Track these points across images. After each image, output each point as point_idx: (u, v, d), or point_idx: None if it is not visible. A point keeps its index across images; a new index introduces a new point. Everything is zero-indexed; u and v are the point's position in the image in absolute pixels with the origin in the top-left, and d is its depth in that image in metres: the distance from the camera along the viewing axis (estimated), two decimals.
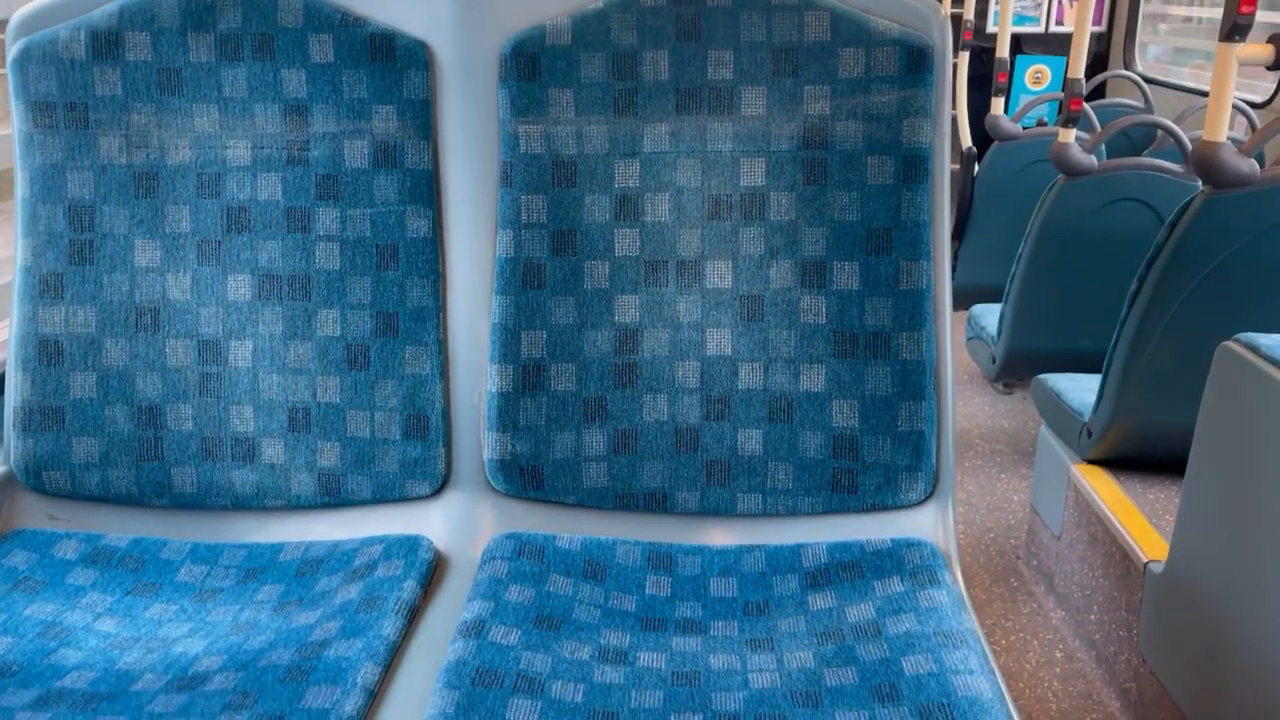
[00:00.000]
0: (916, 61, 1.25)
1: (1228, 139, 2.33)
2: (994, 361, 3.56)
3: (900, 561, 1.25)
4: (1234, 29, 2.17)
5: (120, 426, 1.35)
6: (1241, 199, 2.26)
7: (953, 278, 4.44)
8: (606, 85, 1.29)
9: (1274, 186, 2.26)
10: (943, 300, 1.31)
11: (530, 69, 1.28)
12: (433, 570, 1.30)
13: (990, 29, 5.50)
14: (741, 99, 1.28)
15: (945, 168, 1.30)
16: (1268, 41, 2.20)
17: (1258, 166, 2.27)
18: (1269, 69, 2.33)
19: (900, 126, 1.26)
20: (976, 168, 4.12)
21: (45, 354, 1.33)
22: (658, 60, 1.28)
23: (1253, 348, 1.84)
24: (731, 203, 1.30)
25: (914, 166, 1.26)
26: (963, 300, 4.21)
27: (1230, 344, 1.91)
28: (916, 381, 1.29)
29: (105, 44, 1.30)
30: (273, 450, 1.36)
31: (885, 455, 1.30)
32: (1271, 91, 4.14)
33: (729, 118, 1.29)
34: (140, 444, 1.36)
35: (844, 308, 1.29)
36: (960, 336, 4.15)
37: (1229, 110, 2.25)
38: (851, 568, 1.26)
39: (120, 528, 1.38)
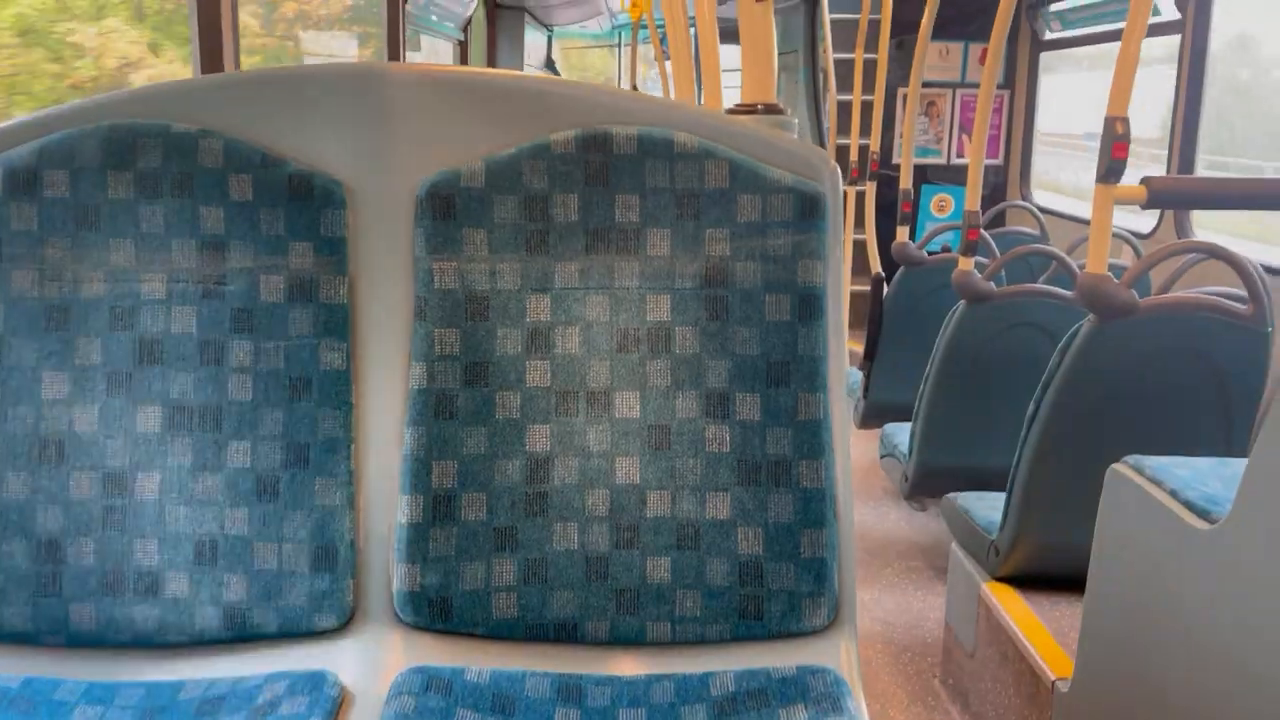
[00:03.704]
0: (809, 208, 1.33)
1: (1116, 266, 2.49)
2: (906, 479, 3.65)
3: (805, 689, 1.27)
4: (1109, 171, 2.34)
5: (16, 562, 1.32)
6: (1125, 327, 2.40)
7: (865, 396, 4.56)
8: (519, 225, 1.34)
9: (1153, 316, 2.41)
10: (840, 430, 1.36)
11: (445, 209, 1.33)
12: (339, 707, 1.28)
13: (897, 159, 5.80)
14: (647, 240, 1.35)
15: (840, 305, 1.37)
16: (1140, 183, 2.37)
17: (1137, 297, 2.42)
18: (1143, 208, 2.51)
19: (795, 267, 1.33)
20: (885, 290, 4.28)
21: None
22: (568, 203, 1.34)
23: (1140, 470, 1.94)
24: (639, 336, 1.35)
25: (809, 305, 1.34)
26: (876, 418, 4.32)
27: (1119, 466, 2.00)
28: (817, 509, 1.33)
29: (23, 181, 1.32)
30: (177, 584, 1.34)
31: (789, 582, 1.33)
32: (1155, 223, 4.43)
33: (635, 257, 1.35)
34: (38, 580, 1.32)
35: (746, 437, 1.34)
36: (875, 453, 4.24)
37: (1108, 245, 2.40)
38: (758, 696, 1.27)
39: (12, 667, 1.33)
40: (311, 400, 1.34)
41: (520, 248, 1.34)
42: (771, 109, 1.67)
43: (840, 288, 1.37)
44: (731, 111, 1.75)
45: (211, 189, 1.33)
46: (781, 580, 1.33)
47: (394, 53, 4.79)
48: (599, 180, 1.34)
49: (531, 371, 1.35)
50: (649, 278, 1.35)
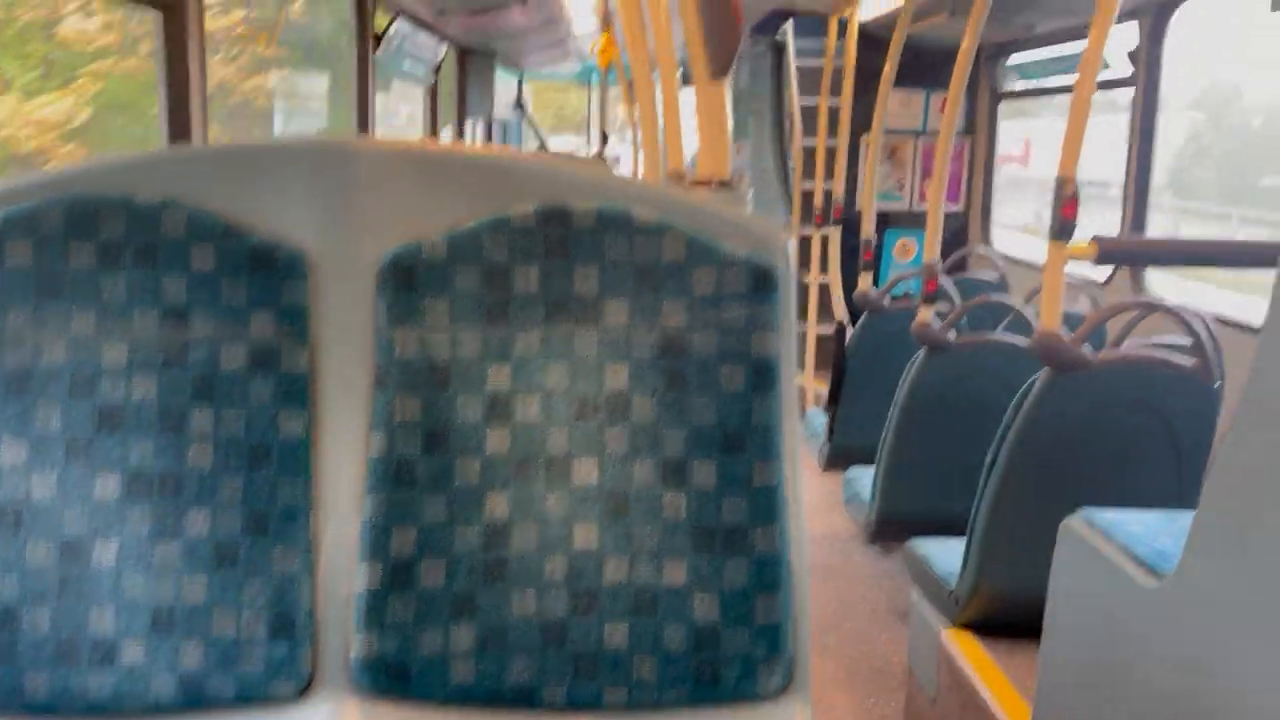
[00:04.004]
0: (763, 281, 1.37)
1: (1073, 315, 2.54)
2: (869, 524, 3.68)
3: None
4: (1061, 230, 2.41)
5: None
6: (1078, 381, 2.46)
7: (830, 441, 4.60)
8: (480, 296, 1.37)
9: (1105, 370, 2.47)
10: (795, 496, 1.39)
11: (407, 280, 1.36)
12: None
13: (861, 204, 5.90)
14: (606, 310, 1.38)
15: (793, 375, 1.41)
16: (1091, 241, 2.44)
17: (1090, 351, 2.48)
18: (1094, 265, 2.58)
19: (750, 339, 1.37)
20: (849, 335, 4.34)
21: None
22: (528, 274, 1.37)
23: (1092, 524, 1.98)
24: (597, 404, 1.38)
25: (763, 375, 1.37)
26: (840, 462, 4.37)
27: (1072, 520, 2.05)
28: (772, 575, 1.36)
29: None
30: (133, 652, 1.34)
31: (745, 647, 1.35)
32: (1111, 270, 4.53)
33: (594, 327, 1.38)
34: None
35: (703, 504, 1.36)
36: (839, 496, 4.28)
37: (1061, 302, 2.47)
38: None
39: None
40: (271, 468, 1.35)
41: (481, 317, 1.37)
42: (725, 185, 1.72)
43: (793, 358, 1.41)
44: (689, 186, 1.79)
45: (174, 259, 1.35)
46: (737, 645, 1.35)
47: (363, 121, 4.81)
48: (558, 253, 1.37)
49: (491, 439, 1.37)
50: (607, 347, 1.38)
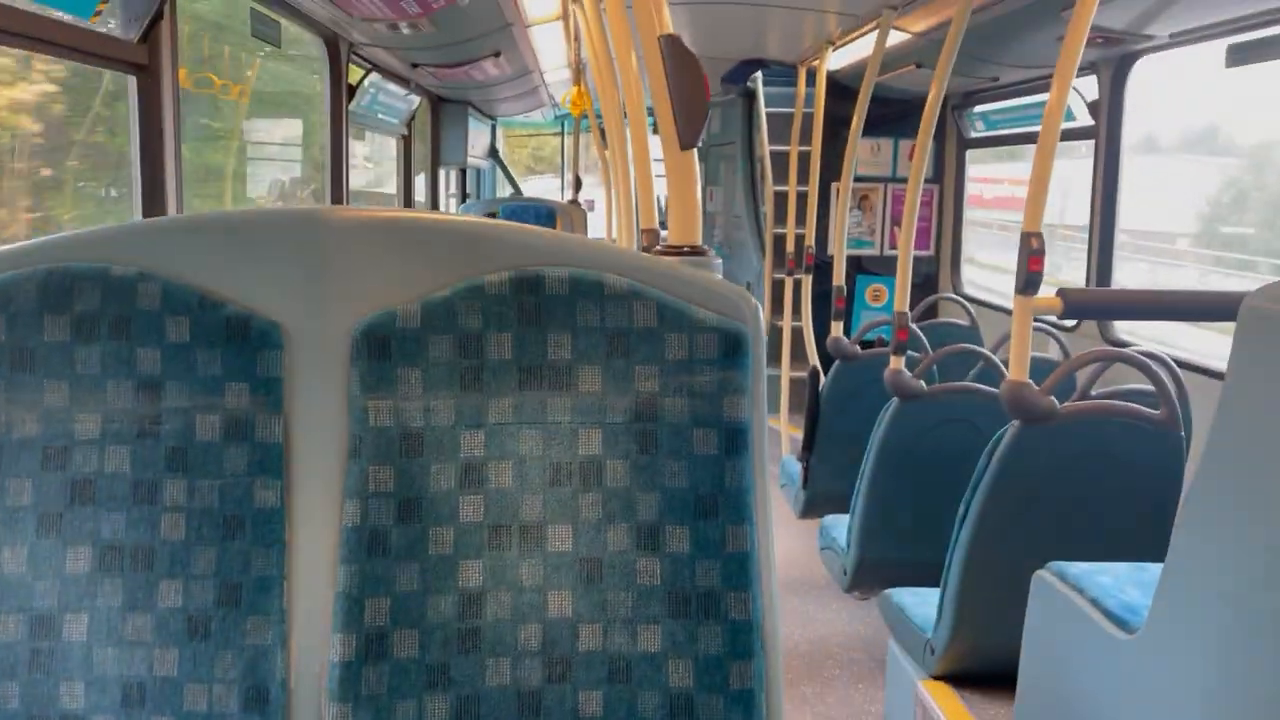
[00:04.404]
0: (733, 346, 1.39)
1: (1043, 360, 2.58)
2: (845, 572, 3.69)
3: None
4: (1027, 284, 2.45)
5: None
6: (1046, 432, 2.50)
7: (805, 488, 4.61)
8: (454, 364, 1.38)
9: (1072, 421, 2.51)
10: (767, 560, 1.40)
11: (381, 349, 1.37)
12: None
13: (833, 249, 5.97)
14: (579, 376, 1.39)
15: (765, 438, 1.42)
16: (1056, 294, 2.49)
17: (1057, 403, 2.52)
18: (1059, 319, 2.62)
19: (721, 403, 1.38)
20: (822, 382, 4.38)
21: None
22: (501, 341, 1.38)
23: (1063, 577, 2.00)
24: (571, 470, 1.39)
25: (734, 438, 1.38)
26: (815, 509, 4.38)
27: (1043, 573, 2.07)
28: (745, 641, 1.36)
29: None
30: None
31: (719, 714, 1.35)
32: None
33: (567, 393, 1.39)
34: None
35: (677, 569, 1.37)
36: (815, 544, 4.29)
37: (1029, 354, 2.51)
38: None
39: None
40: (245, 539, 1.34)
41: (455, 385, 1.38)
42: (697, 250, 1.74)
43: (764, 421, 1.42)
44: (660, 253, 1.82)
45: (149, 331, 1.35)
46: (711, 713, 1.35)
47: (337, 193, 4.83)
48: (532, 320, 1.39)
49: (465, 506, 1.37)
50: (581, 413, 1.39)
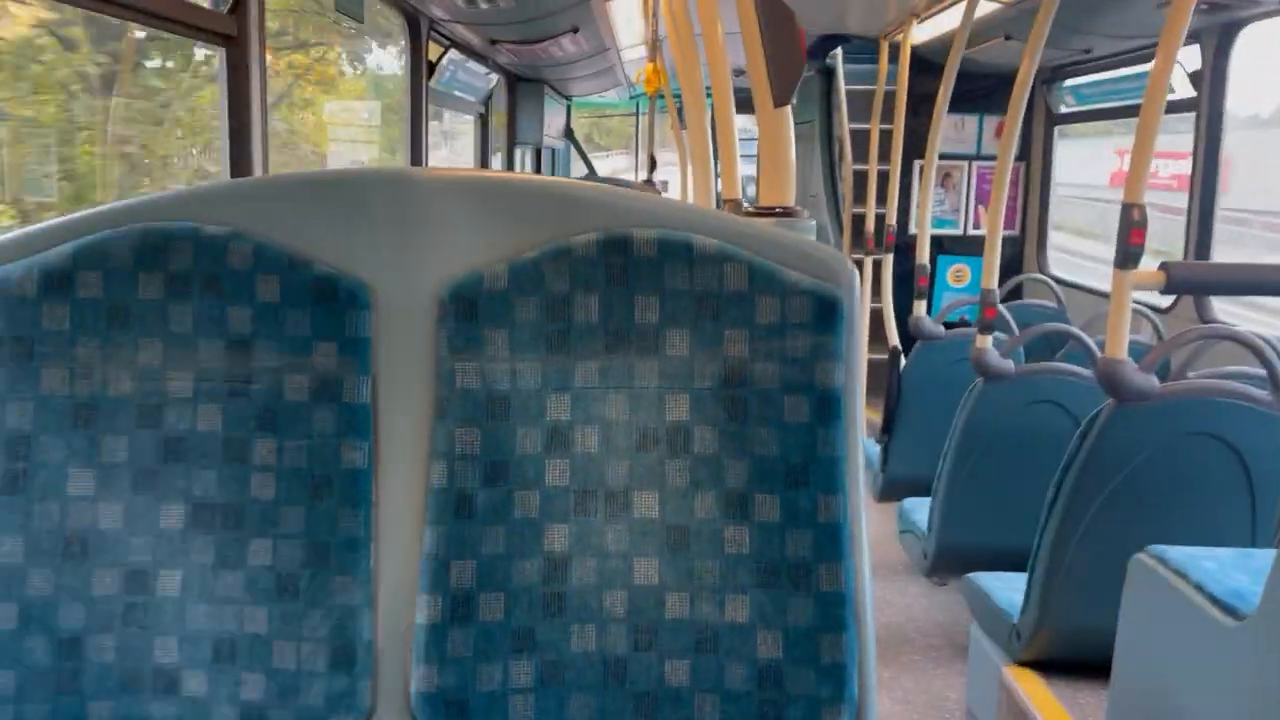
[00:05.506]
0: (827, 311, 1.34)
1: (1136, 343, 2.49)
2: (925, 557, 3.62)
3: None
4: (1127, 257, 2.35)
5: (37, 659, 1.32)
6: (1145, 411, 2.40)
7: (883, 471, 4.54)
8: (540, 326, 1.36)
9: (1173, 400, 2.41)
10: (860, 533, 1.36)
11: (468, 311, 1.35)
12: None
13: (913, 229, 5.84)
14: (666, 340, 1.36)
15: (858, 406, 1.38)
16: (1159, 268, 2.38)
17: (1157, 381, 2.41)
18: (1161, 293, 2.51)
19: (814, 369, 1.34)
20: (902, 363, 4.29)
21: None
22: (589, 304, 1.36)
23: (1164, 561, 1.92)
24: (658, 436, 1.36)
25: (827, 406, 1.34)
26: (894, 493, 4.30)
27: (1142, 557, 1.99)
28: (837, 614, 1.32)
29: (57, 282, 1.35)
30: (195, 682, 1.34)
31: (809, 688, 1.32)
32: (1174, 298, 4.42)
33: (655, 357, 1.36)
34: (58, 677, 1.33)
35: (766, 539, 1.33)
36: (893, 527, 4.21)
37: (1127, 330, 2.41)
38: None
39: None
40: (333, 499, 1.34)
41: (541, 348, 1.36)
42: (789, 212, 1.69)
43: (859, 390, 1.38)
44: (750, 214, 1.77)
45: (240, 290, 1.36)
46: (801, 686, 1.32)
47: (416, 155, 4.87)
48: (619, 281, 1.36)
49: (551, 470, 1.35)
50: (668, 377, 1.36)
